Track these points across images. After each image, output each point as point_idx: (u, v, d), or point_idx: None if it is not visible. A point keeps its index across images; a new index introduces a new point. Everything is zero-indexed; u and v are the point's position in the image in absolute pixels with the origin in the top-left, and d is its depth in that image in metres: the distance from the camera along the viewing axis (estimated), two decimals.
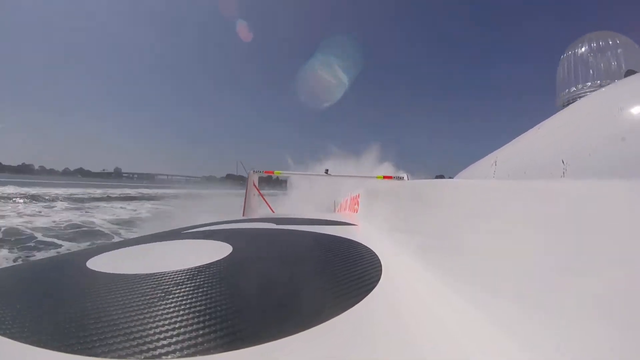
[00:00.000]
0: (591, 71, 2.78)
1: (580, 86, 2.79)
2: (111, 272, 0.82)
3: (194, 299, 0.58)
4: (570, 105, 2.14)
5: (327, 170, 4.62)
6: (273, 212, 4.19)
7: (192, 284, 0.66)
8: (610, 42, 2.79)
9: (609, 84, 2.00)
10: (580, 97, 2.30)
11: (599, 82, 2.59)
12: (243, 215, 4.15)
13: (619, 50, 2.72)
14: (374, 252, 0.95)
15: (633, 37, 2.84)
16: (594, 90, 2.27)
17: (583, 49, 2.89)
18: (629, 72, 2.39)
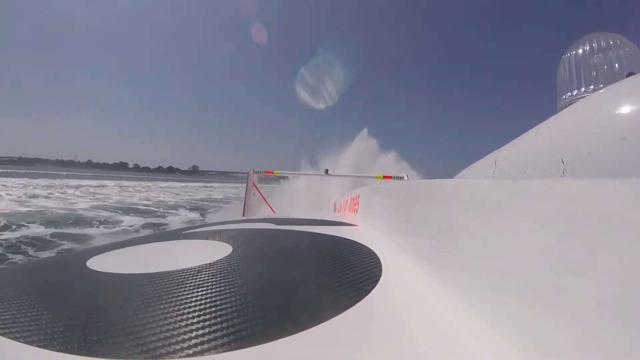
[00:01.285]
0: (593, 73, 2.76)
1: (583, 89, 2.78)
2: (111, 271, 0.82)
3: (193, 299, 0.58)
4: (570, 106, 2.14)
5: (327, 170, 4.63)
6: (274, 212, 4.19)
7: (192, 284, 0.66)
8: (611, 43, 2.78)
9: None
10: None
11: (601, 85, 2.57)
12: (243, 216, 4.15)
13: (620, 52, 2.71)
14: (374, 252, 0.95)
15: (631, 38, 2.84)
16: None
17: (584, 50, 2.88)
18: (630, 75, 2.38)
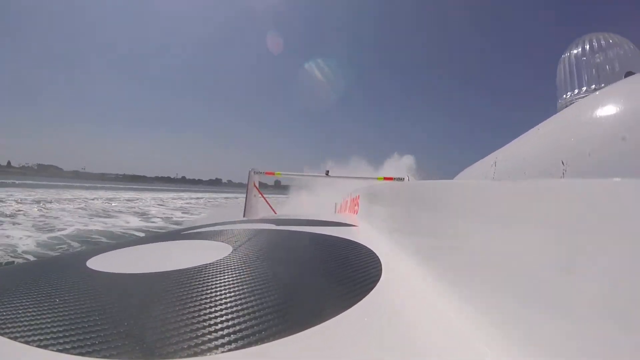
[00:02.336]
0: (594, 71, 2.76)
1: (584, 89, 2.78)
2: (111, 271, 0.82)
3: (193, 299, 0.58)
4: (570, 106, 2.14)
5: (327, 171, 4.63)
6: (275, 212, 4.20)
7: (192, 284, 0.66)
8: (611, 42, 2.78)
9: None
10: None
11: (602, 85, 2.57)
12: (244, 216, 4.16)
13: (620, 52, 2.71)
14: (373, 253, 0.95)
15: (631, 38, 2.84)
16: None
17: (582, 50, 2.88)
18: (628, 74, 2.38)
